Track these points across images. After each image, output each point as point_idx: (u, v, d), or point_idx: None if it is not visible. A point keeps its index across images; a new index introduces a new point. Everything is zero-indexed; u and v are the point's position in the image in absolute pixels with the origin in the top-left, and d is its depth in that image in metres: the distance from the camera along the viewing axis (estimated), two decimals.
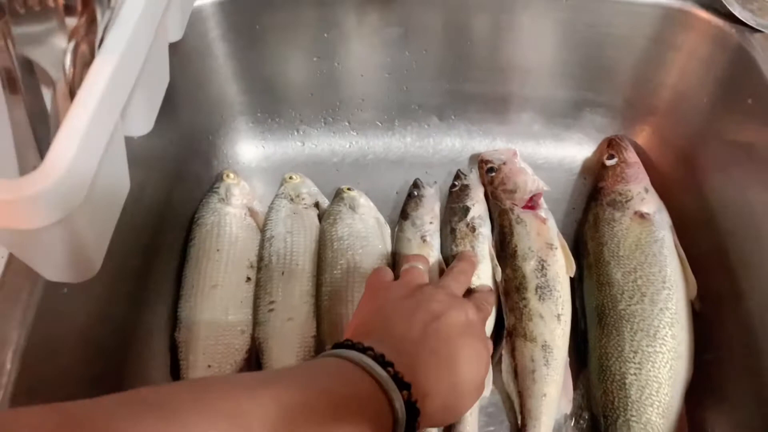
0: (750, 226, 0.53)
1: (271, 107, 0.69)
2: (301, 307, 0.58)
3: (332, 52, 0.64)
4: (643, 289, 0.54)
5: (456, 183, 0.65)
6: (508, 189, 0.62)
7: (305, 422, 0.30)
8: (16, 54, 0.32)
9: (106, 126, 0.33)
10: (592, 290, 0.57)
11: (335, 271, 0.59)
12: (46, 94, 0.35)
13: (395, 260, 0.61)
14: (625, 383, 0.51)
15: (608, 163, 0.64)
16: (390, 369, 0.35)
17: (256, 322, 0.58)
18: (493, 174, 0.64)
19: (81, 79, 0.32)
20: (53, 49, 0.32)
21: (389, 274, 0.51)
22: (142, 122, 0.46)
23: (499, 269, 0.58)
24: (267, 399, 0.30)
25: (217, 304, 0.58)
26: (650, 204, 0.59)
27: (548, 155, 0.70)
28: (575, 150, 0.70)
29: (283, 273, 0.60)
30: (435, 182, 0.66)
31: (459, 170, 0.67)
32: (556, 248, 0.58)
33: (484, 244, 0.60)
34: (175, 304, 0.58)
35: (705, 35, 0.56)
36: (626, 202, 0.59)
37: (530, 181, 0.62)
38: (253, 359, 0.57)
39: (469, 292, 0.55)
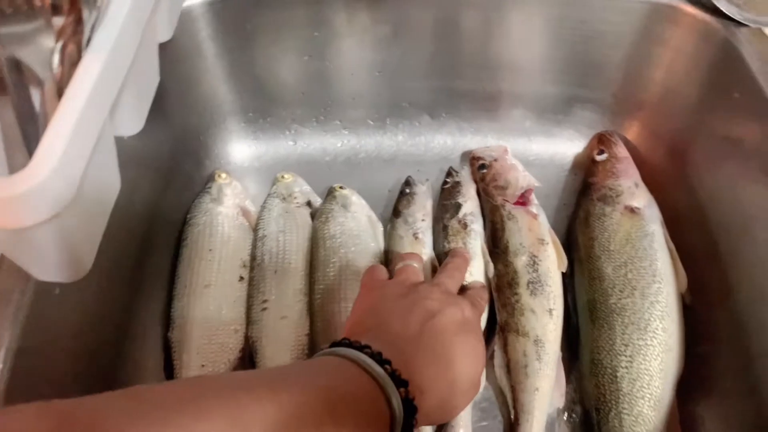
0: (738, 218, 0.53)
1: (263, 107, 0.69)
2: (294, 306, 0.58)
3: (323, 51, 0.64)
4: (634, 282, 0.54)
5: (448, 180, 0.66)
6: (499, 185, 0.62)
7: (304, 421, 0.30)
8: (4, 53, 0.32)
9: (94, 125, 0.33)
10: (584, 285, 0.57)
11: (328, 270, 0.59)
12: (35, 93, 0.35)
13: (388, 258, 0.61)
14: (616, 376, 0.51)
15: (598, 158, 0.64)
16: (387, 366, 0.35)
17: (249, 321, 0.58)
18: (485, 171, 0.65)
19: (69, 79, 0.32)
20: (41, 49, 0.32)
21: (384, 272, 0.51)
22: (132, 122, 0.46)
23: (491, 265, 0.58)
24: (266, 398, 0.30)
25: (210, 304, 0.58)
26: (640, 198, 0.60)
27: (539, 151, 0.70)
28: (566, 146, 0.70)
29: (276, 272, 0.60)
30: (427, 180, 0.66)
31: (451, 167, 0.67)
32: (548, 243, 0.58)
33: (476, 241, 0.60)
34: (168, 304, 0.58)
35: (692, 30, 0.56)
36: (616, 196, 0.60)
37: (521, 178, 0.62)
38: (247, 358, 0.57)
39: (463, 289, 0.55)
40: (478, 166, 0.65)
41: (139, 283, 0.56)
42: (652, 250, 0.56)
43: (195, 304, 0.57)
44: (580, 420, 0.54)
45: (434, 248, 0.61)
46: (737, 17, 0.53)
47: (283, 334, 0.57)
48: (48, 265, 0.36)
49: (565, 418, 0.54)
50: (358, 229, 0.62)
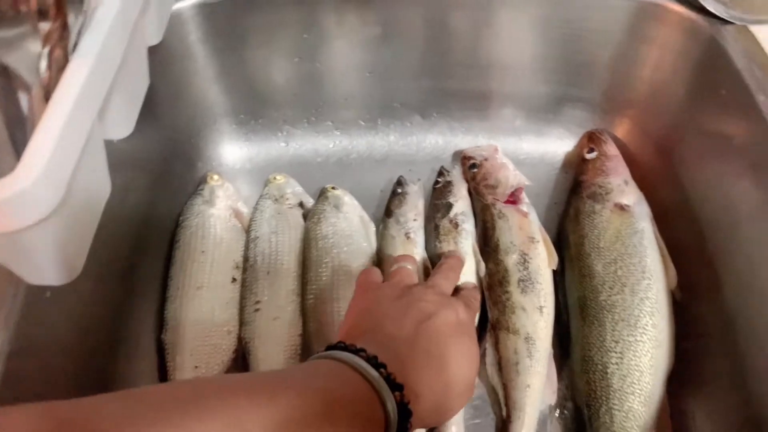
0: (727, 215, 0.54)
1: (254, 108, 0.69)
2: (287, 307, 0.59)
3: (313, 53, 0.64)
4: (624, 279, 0.55)
5: (439, 180, 0.66)
6: (489, 184, 0.63)
7: (301, 423, 0.30)
8: None
9: (82, 128, 0.33)
10: (574, 282, 0.57)
11: (320, 270, 0.60)
12: (23, 98, 0.35)
13: (380, 257, 0.61)
14: (607, 373, 0.52)
15: (588, 156, 0.65)
16: (383, 370, 0.35)
17: (242, 322, 0.58)
18: (475, 170, 0.65)
19: (56, 84, 0.32)
20: (27, 54, 0.32)
21: (378, 274, 0.51)
22: (122, 125, 0.47)
23: (482, 264, 0.59)
24: (263, 400, 0.30)
25: (203, 305, 0.58)
26: (630, 196, 0.60)
27: (530, 150, 0.71)
28: (556, 144, 0.71)
29: (268, 273, 0.60)
30: (419, 179, 0.67)
31: (442, 167, 0.67)
32: (538, 242, 0.58)
33: (467, 240, 0.61)
34: (161, 306, 0.59)
35: (678, 28, 0.56)
36: (606, 194, 0.60)
37: (511, 176, 0.63)
38: (240, 359, 0.57)
39: (456, 290, 0.55)
40: (469, 165, 0.66)
41: (132, 285, 0.56)
42: (641, 247, 0.56)
43: (188, 305, 0.58)
44: (571, 416, 0.54)
45: (426, 248, 0.62)
46: (723, 15, 0.54)
47: (276, 335, 0.57)
48: (37, 269, 0.36)
49: (556, 414, 0.54)
50: (351, 229, 0.62)
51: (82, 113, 0.32)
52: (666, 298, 0.55)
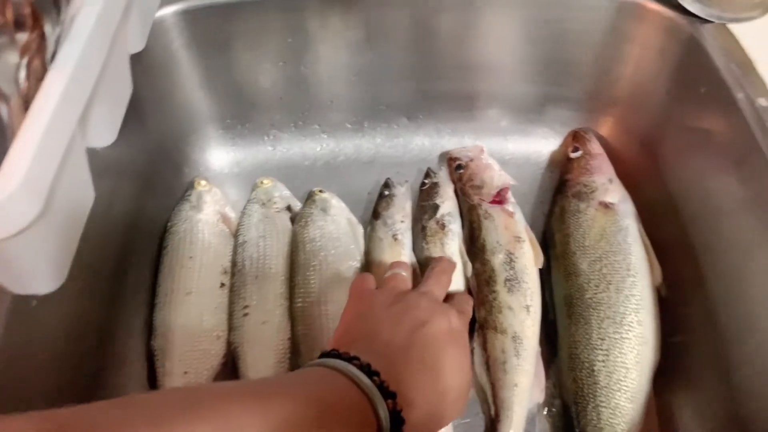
0: (709, 211, 0.54)
1: (241, 113, 0.69)
2: (276, 311, 0.59)
3: (298, 57, 0.64)
4: (609, 277, 0.55)
5: (426, 181, 0.66)
6: (475, 185, 0.63)
7: (294, 430, 0.30)
8: None
9: (62, 138, 0.34)
10: (560, 281, 0.58)
11: (308, 273, 0.60)
12: (2, 109, 0.35)
13: (368, 260, 0.62)
14: (593, 370, 0.52)
15: (573, 155, 0.65)
16: (376, 378, 0.35)
17: (231, 327, 0.59)
18: (461, 171, 0.65)
19: (35, 94, 0.33)
20: (5, 65, 0.32)
21: (373, 280, 0.51)
22: (105, 133, 0.47)
23: (469, 265, 0.59)
24: (257, 407, 0.30)
25: (192, 311, 0.58)
26: (614, 194, 0.60)
27: (515, 150, 0.71)
28: (541, 144, 0.71)
29: (256, 277, 0.60)
30: (406, 181, 0.67)
31: (429, 168, 0.68)
32: (524, 241, 0.59)
33: (454, 241, 0.61)
34: (150, 312, 0.59)
35: (657, 27, 0.57)
36: (591, 193, 0.61)
37: (497, 177, 0.63)
38: (230, 364, 0.57)
39: (447, 297, 0.55)
40: (455, 166, 0.66)
41: (120, 292, 0.56)
42: (626, 245, 0.57)
43: (177, 311, 0.58)
44: (559, 414, 0.54)
45: (413, 249, 0.62)
46: (701, 14, 0.54)
47: (264, 339, 0.57)
48: (20, 278, 0.36)
49: (545, 412, 0.55)
50: (338, 232, 0.63)
51: (61, 123, 0.33)
52: (651, 294, 0.55)
